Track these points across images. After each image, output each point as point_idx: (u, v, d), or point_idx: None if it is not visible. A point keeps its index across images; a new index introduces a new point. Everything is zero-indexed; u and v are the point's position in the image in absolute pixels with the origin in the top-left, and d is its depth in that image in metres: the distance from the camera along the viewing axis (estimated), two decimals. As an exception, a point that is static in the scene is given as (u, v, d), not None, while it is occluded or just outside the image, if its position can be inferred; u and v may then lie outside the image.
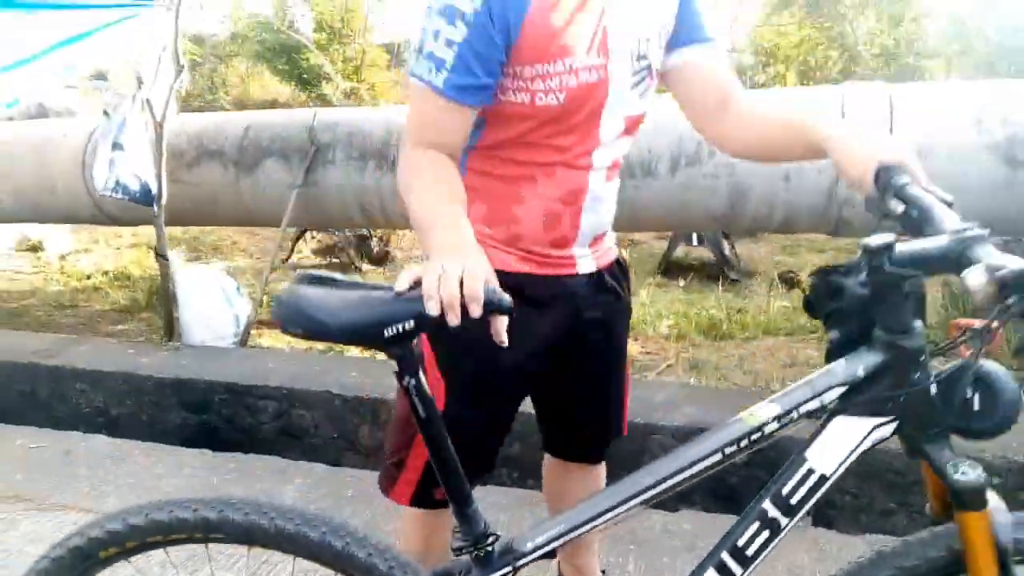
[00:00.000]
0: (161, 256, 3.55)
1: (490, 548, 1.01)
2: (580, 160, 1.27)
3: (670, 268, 6.89)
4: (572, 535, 1.01)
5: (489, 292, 0.90)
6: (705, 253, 6.91)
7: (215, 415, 3.06)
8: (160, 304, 3.99)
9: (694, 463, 0.97)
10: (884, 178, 1.04)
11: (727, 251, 6.84)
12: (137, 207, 3.48)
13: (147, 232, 7.11)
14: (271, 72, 11.76)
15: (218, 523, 1.03)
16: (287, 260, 6.74)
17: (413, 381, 0.96)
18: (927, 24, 7.88)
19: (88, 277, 6.54)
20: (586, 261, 1.38)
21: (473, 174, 1.29)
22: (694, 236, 6.65)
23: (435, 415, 0.98)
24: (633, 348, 4.21)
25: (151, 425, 3.05)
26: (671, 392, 2.84)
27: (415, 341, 0.94)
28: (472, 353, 1.15)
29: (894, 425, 0.96)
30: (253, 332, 3.95)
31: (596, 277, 1.41)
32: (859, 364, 0.96)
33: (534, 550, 1.01)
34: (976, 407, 0.92)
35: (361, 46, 11.08)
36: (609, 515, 0.99)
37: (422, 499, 1.39)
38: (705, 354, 4.02)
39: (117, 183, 3.23)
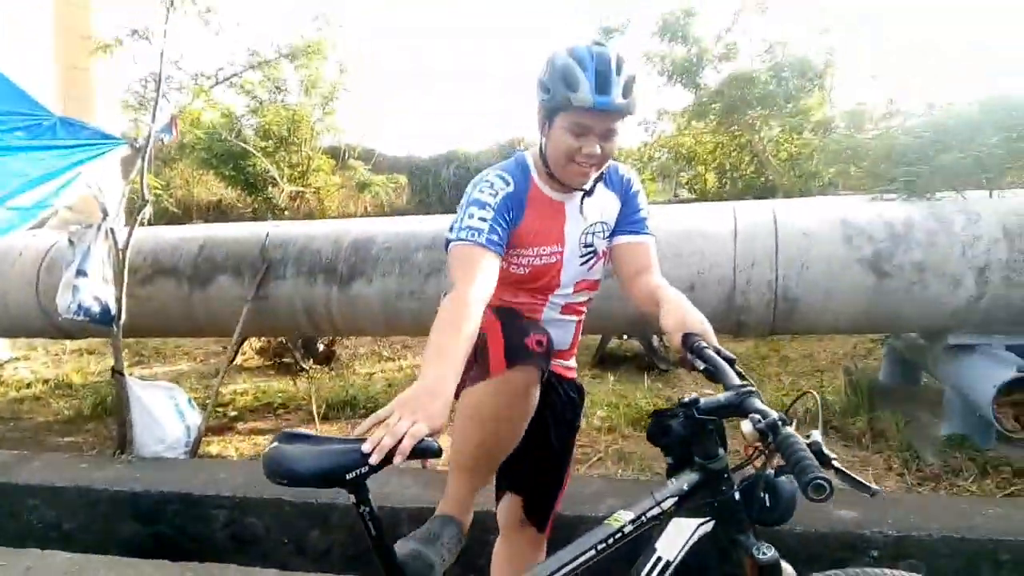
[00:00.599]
0: (118, 372, 3.73)
1: None
2: (538, 300, 1.88)
3: (604, 359, 7.27)
4: None
5: (422, 447, 1.21)
6: (635, 345, 7.35)
7: (168, 526, 3.20)
8: (106, 415, 4.11)
9: (576, 557, 1.33)
10: (688, 341, 1.46)
11: (655, 343, 7.31)
12: (95, 326, 3.68)
13: (85, 340, 7.16)
14: (216, 177, 12.09)
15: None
16: (231, 362, 6.86)
17: (367, 510, 1.31)
18: (822, 136, 8.83)
19: (28, 386, 6.51)
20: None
21: None
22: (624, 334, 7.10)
23: (383, 538, 1.31)
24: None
25: (107, 538, 3.16)
26: (597, 486, 3.15)
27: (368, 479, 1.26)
28: None
29: (712, 523, 1.34)
30: (204, 439, 4.11)
31: (558, 380, 1.94)
32: (684, 481, 1.36)
33: None
34: (767, 505, 1.29)
35: (307, 153, 11.55)
36: None
37: None
38: (632, 445, 4.34)
39: (80, 306, 3.45)
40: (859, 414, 4.32)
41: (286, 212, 11.13)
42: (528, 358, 1.64)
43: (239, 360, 7.14)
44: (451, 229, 1.73)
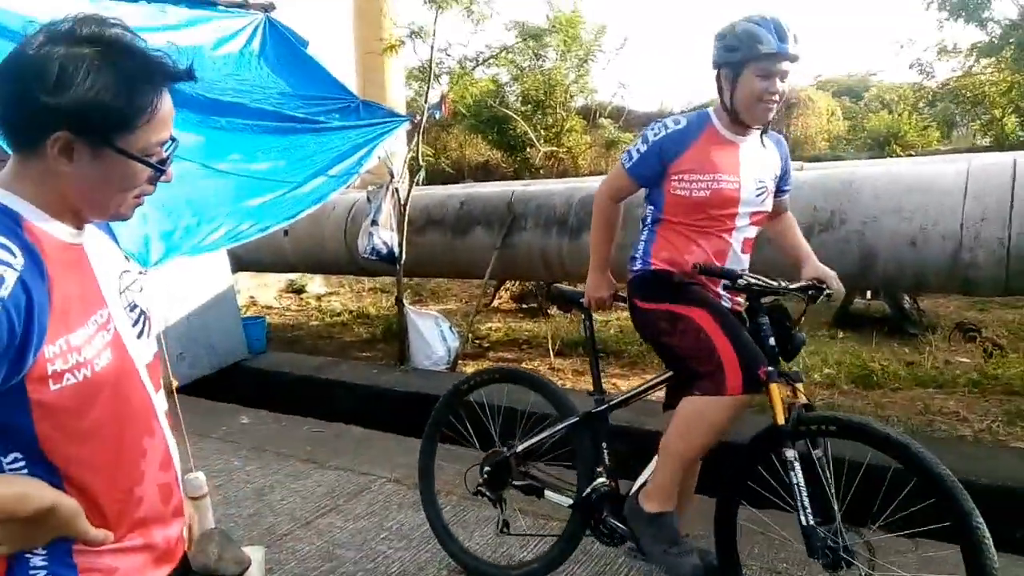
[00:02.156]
0: (399, 302, 4.77)
1: None
2: (724, 235, 2.18)
3: (845, 319, 7.04)
4: None
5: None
6: (883, 307, 6.99)
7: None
8: (393, 338, 5.22)
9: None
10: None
11: (907, 305, 6.88)
12: (383, 264, 4.74)
13: (380, 280, 8.73)
14: (483, 140, 13.45)
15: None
16: (489, 304, 7.94)
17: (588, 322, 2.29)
18: None
19: (338, 315, 8.22)
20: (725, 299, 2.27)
21: (662, 233, 2.21)
22: (868, 291, 6.80)
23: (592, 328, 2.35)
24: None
25: (386, 421, 4.18)
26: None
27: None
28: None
29: None
30: (460, 361, 5.04)
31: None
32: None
33: None
34: None
35: (561, 115, 12.35)
36: None
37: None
38: (849, 400, 4.40)
39: (373, 248, 4.49)
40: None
41: (540, 171, 12.08)
42: (758, 389, 2.00)
43: (496, 303, 8.22)
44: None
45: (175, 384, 2.96)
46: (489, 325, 7.24)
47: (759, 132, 2.22)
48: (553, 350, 5.67)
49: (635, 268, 2.26)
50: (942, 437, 3.74)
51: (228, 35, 4.87)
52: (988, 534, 1.68)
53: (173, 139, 0.99)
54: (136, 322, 1.03)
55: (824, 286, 2.16)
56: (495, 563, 2.55)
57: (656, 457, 2.15)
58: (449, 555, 2.56)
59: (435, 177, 15.09)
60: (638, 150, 2.18)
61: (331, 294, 9.67)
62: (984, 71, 10.01)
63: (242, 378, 4.94)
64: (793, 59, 2.07)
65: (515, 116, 11.79)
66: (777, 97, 2.08)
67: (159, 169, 0.96)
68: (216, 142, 3.99)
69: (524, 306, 7.92)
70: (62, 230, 0.94)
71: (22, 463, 0.91)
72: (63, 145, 0.89)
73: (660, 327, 2.16)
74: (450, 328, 5.03)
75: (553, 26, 10.75)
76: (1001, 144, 10.56)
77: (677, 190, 2.15)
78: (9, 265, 0.84)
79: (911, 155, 11.20)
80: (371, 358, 5.85)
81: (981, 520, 1.69)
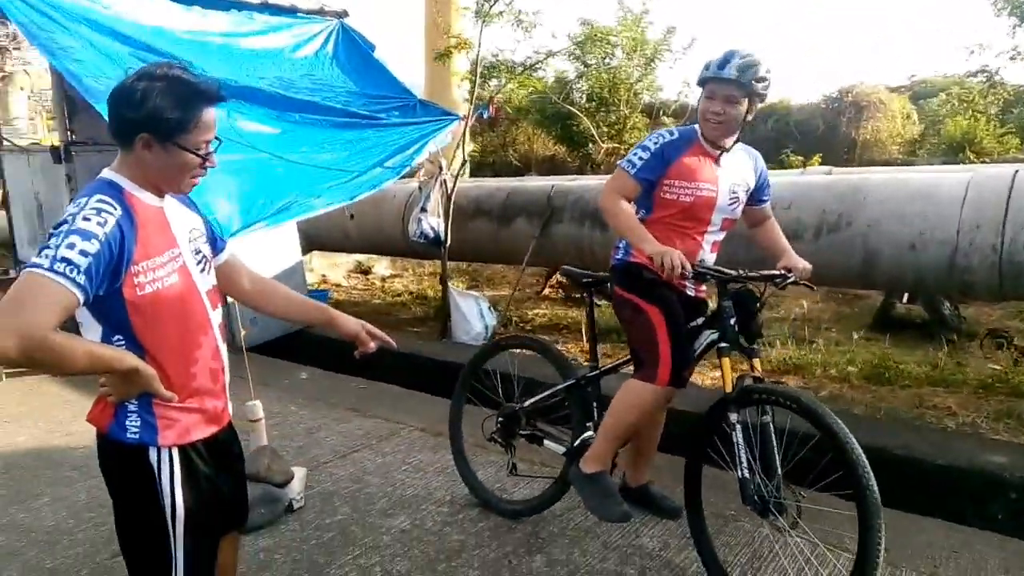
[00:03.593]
0: (443, 282, 5.32)
1: None
2: (697, 236, 2.53)
3: (886, 323, 7.13)
4: None
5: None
6: (923, 312, 7.07)
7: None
8: (441, 315, 5.78)
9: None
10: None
11: (947, 311, 6.95)
12: (431, 247, 5.29)
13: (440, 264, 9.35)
14: (547, 135, 13.89)
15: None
16: (540, 293, 8.42)
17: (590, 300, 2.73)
18: None
19: (399, 295, 8.87)
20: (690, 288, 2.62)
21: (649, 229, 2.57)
22: (906, 295, 6.91)
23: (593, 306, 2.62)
24: (794, 381, 5.00)
25: (425, 385, 4.73)
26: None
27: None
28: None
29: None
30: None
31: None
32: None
33: None
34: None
35: (624, 112, 12.65)
36: None
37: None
38: (854, 394, 4.67)
39: (421, 232, 5.05)
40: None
41: (601, 167, 12.43)
42: (682, 387, 2.44)
43: (547, 291, 8.70)
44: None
45: (244, 342, 3.58)
46: (536, 311, 7.72)
47: (734, 147, 2.52)
48: (586, 336, 6.09)
49: (617, 257, 2.63)
50: (917, 425, 3.97)
51: (306, 39, 5.55)
52: (874, 485, 2.02)
53: (219, 138, 1.54)
54: (199, 262, 1.60)
55: (790, 273, 2.46)
56: (503, 497, 3.05)
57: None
58: (466, 486, 3.06)
59: (503, 170, 15.67)
60: (640, 157, 2.46)
61: (395, 276, 10.35)
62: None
63: (305, 342, 5.60)
64: (733, 84, 2.35)
65: (578, 113, 12.17)
66: (719, 118, 2.40)
67: (204, 159, 1.51)
68: (290, 135, 4.64)
69: (570, 296, 8.35)
70: (150, 197, 1.52)
71: (123, 342, 1.47)
72: (144, 142, 1.45)
73: (626, 314, 2.57)
74: (488, 308, 5.55)
75: (617, 28, 11.06)
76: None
77: (667, 194, 2.48)
78: (111, 214, 1.40)
79: (984, 162, 10.97)
80: (420, 333, 6.44)
81: (869, 472, 2.03)
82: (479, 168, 13.79)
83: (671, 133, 2.53)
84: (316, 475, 3.24)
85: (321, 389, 4.58)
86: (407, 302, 8.44)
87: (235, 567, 2.04)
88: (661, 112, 13.32)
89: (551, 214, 5.50)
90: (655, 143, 2.49)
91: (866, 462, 2.04)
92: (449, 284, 5.46)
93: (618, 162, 2.61)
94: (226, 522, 1.78)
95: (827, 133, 14.50)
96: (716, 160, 2.51)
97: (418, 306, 8.10)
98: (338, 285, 9.55)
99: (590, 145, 12.84)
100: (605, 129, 12.49)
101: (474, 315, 5.39)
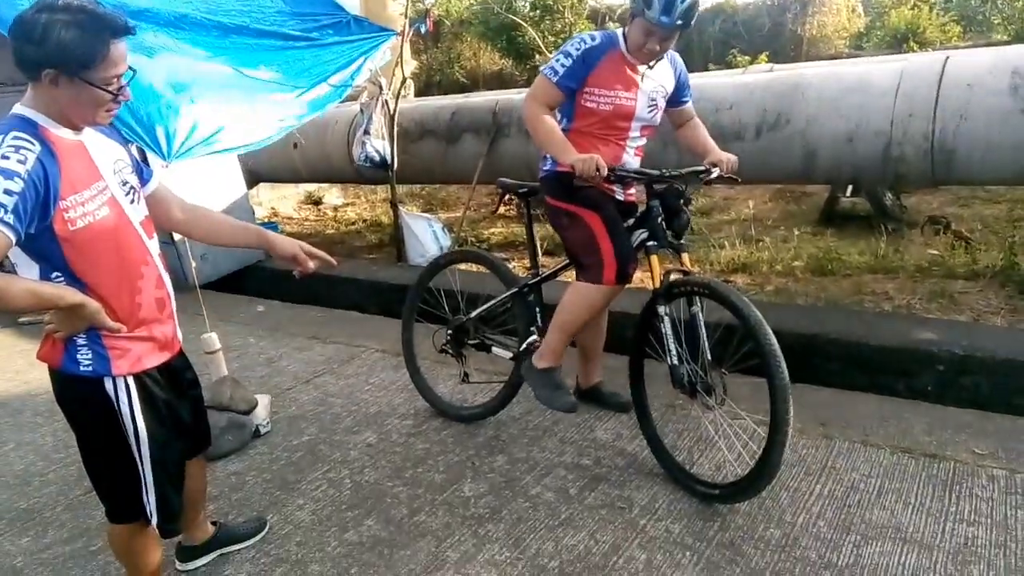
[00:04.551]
0: (393, 206, 5.28)
1: None
2: (620, 143, 2.59)
3: (832, 217, 7.34)
4: None
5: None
6: (866, 204, 7.28)
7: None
8: (394, 240, 5.77)
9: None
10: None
11: (889, 202, 7.18)
12: (378, 171, 5.22)
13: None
14: (493, 49, 13.54)
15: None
16: (495, 212, 8.41)
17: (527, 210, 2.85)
18: None
19: (352, 223, 8.78)
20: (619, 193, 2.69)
21: (569, 139, 2.56)
22: (849, 188, 7.09)
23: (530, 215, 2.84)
24: (743, 279, 5.17)
25: (384, 309, 4.79)
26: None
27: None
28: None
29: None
30: (454, 259, 5.59)
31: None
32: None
33: None
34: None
35: (570, 20, 12.38)
36: None
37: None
38: (798, 286, 4.86)
39: (366, 156, 4.97)
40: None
41: (549, 79, 12.22)
42: (627, 282, 2.50)
43: (502, 210, 8.68)
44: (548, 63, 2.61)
45: (196, 278, 3.55)
46: (492, 230, 7.75)
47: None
48: (542, 250, 6.16)
49: (545, 168, 2.67)
50: (856, 310, 4.18)
51: (228, -43, 5.23)
52: (782, 361, 2.15)
53: (133, 69, 1.50)
54: (127, 193, 1.59)
55: (714, 167, 2.55)
56: (458, 404, 3.18)
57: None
58: (425, 400, 3.18)
59: (450, 88, 15.27)
60: (562, 64, 2.47)
61: (347, 205, 10.21)
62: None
63: (259, 276, 5.57)
64: (675, 29, 2.38)
65: (523, 23, 11.87)
66: (656, 55, 2.45)
67: (113, 94, 1.48)
68: (224, 61, 4.45)
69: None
70: (65, 132, 1.49)
71: (62, 278, 1.49)
72: (51, 78, 1.42)
73: (561, 222, 2.62)
74: (442, 229, 5.56)
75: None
76: (1022, 38, 10.42)
77: (587, 102, 2.51)
78: (30, 151, 1.39)
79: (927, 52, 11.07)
80: (376, 259, 6.44)
81: (776, 350, 2.15)
82: (426, 88, 13.43)
83: (592, 38, 2.51)
84: (280, 401, 3.31)
85: (280, 320, 4.60)
86: (361, 230, 8.37)
87: (204, 492, 2.12)
88: (607, 18, 13.06)
89: (498, 130, 5.45)
90: (577, 48, 2.48)
91: (774, 341, 2.17)
92: (401, 208, 5.42)
93: (541, 68, 2.61)
94: (190, 447, 1.84)
95: (774, 30, 14.45)
96: (636, 68, 2.52)
97: (372, 233, 8.04)
98: (289, 217, 9.40)
99: (537, 57, 12.59)
100: (551, 39, 12.24)
101: (428, 237, 5.40)
